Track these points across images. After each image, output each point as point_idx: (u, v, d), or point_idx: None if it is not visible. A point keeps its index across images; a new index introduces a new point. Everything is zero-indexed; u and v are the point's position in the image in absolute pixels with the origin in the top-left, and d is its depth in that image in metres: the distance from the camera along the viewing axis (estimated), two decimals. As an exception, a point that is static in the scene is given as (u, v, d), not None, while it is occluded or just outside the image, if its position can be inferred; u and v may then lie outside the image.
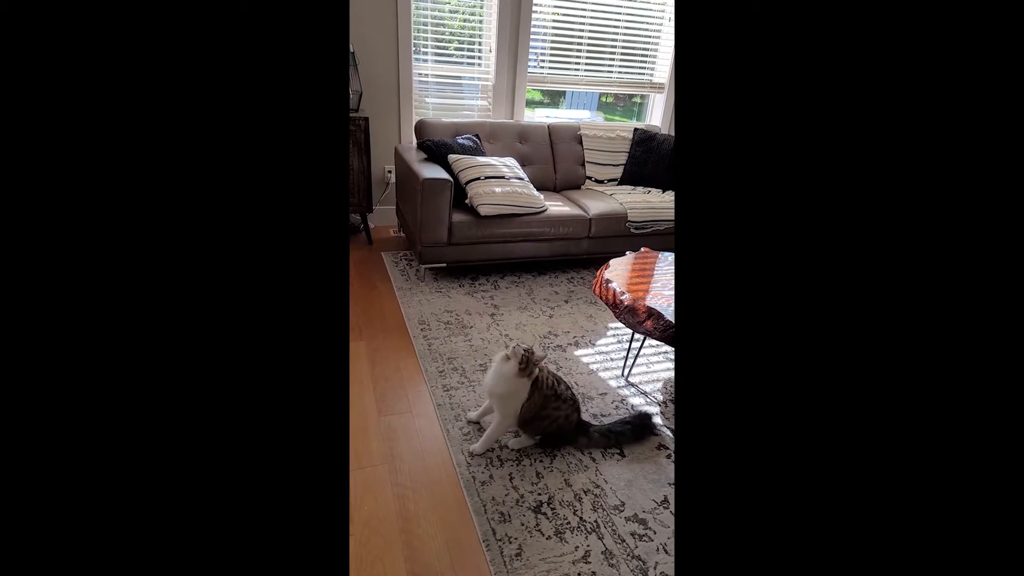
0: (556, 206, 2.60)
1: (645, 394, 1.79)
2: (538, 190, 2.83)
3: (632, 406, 1.72)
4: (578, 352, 2.00)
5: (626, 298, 1.67)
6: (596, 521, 1.29)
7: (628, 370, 1.91)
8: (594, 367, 1.92)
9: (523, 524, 1.26)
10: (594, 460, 1.48)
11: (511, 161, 2.61)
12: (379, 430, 1.53)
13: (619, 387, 1.81)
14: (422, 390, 1.72)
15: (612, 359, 1.98)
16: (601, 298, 1.77)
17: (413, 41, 2.82)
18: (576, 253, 2.65)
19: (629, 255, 2.01)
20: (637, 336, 2.11)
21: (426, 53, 2.90)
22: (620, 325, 2.21)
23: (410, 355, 1.91)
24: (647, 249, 2.08)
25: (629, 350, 1.98)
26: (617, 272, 1.86)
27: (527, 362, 1.41)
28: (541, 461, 1.46)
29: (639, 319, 1.62)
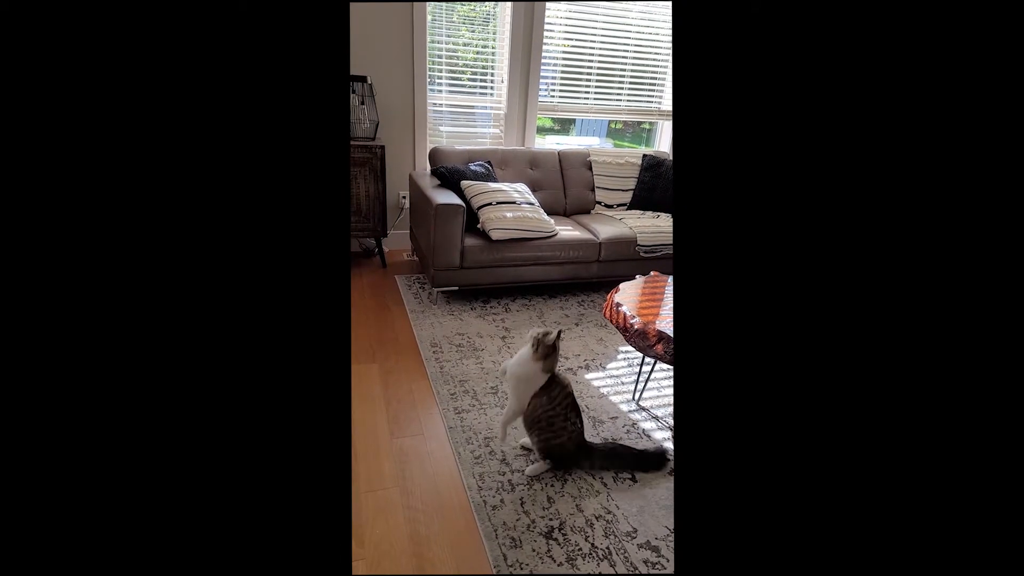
0: (566, 230, 2.64)
1: (656, 418, 1.78)
2: (549, 215, 2.88)
3: (643, 431, 1.71)
4: (589, 375, 2.01)
5: (636, 322, 1.68)
6: (608, 548, 1.28)
7: (639, 394, 1.91)
8: (605, 391, 1.92)
9: (534, 550, 1.26)
10: (605, 485, 1.48)
11: (522, 187, 2.67)
12: (391, 452, 1.55)
13: (630, 411, 1.81)
14: (434, 412, 1.74)
15: (623, 383, 1.98)
16: (612, 322, 1.79)
17: (428, 72, 2.92)
18: (586, 277, 2.67)
19: (639, 279, 2.02)
20: (648, 360, 2.11)
21: (440, 84, 3.00)
22: (631, 348, 2.22)
23: (422, 377, 1.93)
24: (657, 273, 2.09)
25: (640, 374, 1.98)
26: (627, 296, 1.87)
27: (539, 344, 1.44)
28: (552, 486, 1.46)
29: (650, 343, 1.63)
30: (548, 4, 2.95)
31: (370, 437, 1.60)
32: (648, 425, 1.74)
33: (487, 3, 2.93)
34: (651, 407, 1.84)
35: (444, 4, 2.84)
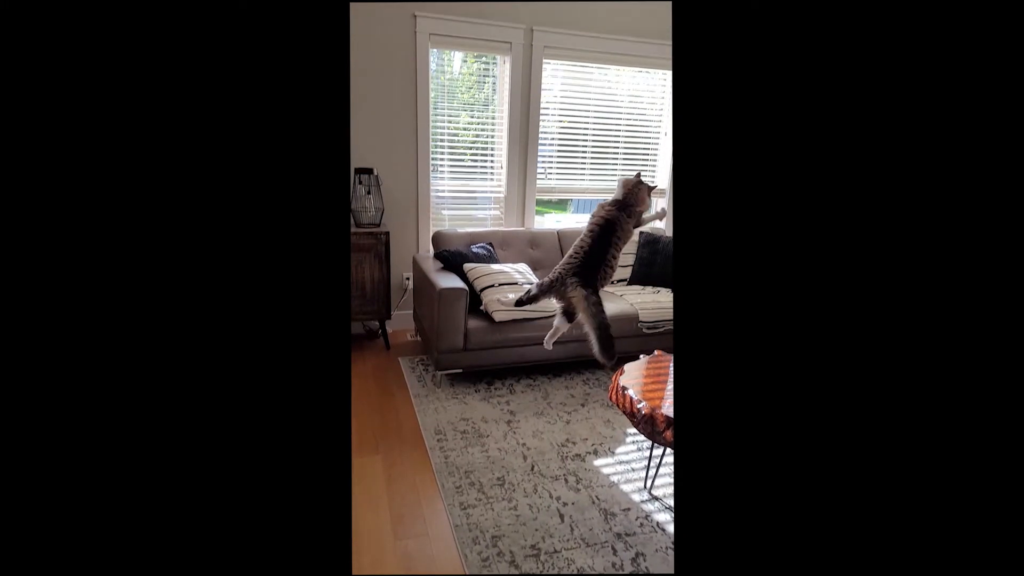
0: (568, 309, 2.67)
1: (670, 509, 1.71)
2: (550, 293, 2.92)
3: (657, 524, 1.64)
4: (598, 462, 1.95)
5: (643, 406, 1.66)
6: (627, 664, 1.19)
7: (651, 482, 1.85)
8: (615, 478, 1.86)
9: (548, 669, 1.17)
10: (621, 588, 1.39)
11: (523, 267, 2.73)
12: (395, 556, 1.48)
13: (642, 501, 1.74)
14: (439, 508, 1.68)
15: (633, 469, 1.92)
16: (618, 406, 1.76)
17: (431, 160, 3.08)
18: (590, 354, 2.66)
19: (643, 359, 2.02)
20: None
21: (443, 171, 3.15)
22: (639, 430, 2.17)
23: (426, 469, 1.87)
24: (660, 352, 2.09)
25: (650, 458, 1.92)
26: (632, 378, 1.86)
27: (636, 187, 1.80)
28: (565, 591, 1.38)
29: (659, 429, 1.60)
30: (543, 88, 3.16)
31: (373, 539, 1.54)
32: (662, 517, 1.67)
33: (484, 89, 3.14)
34: (664, 496, 1.78)
35: (446, 91, 3.05)
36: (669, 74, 3.38)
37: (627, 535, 1.59)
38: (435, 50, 2.96)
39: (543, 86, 3.16)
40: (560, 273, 1.86)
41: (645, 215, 1.87)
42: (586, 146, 3.39)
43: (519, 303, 2.04)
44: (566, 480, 1.83)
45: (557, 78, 3.22)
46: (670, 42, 3.25)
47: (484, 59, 3.10)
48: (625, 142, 3.45)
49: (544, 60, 3.11)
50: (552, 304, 2.57)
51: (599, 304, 1.80)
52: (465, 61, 3.12)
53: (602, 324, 1.79)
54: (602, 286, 2.03)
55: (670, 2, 3.21)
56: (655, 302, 2.75)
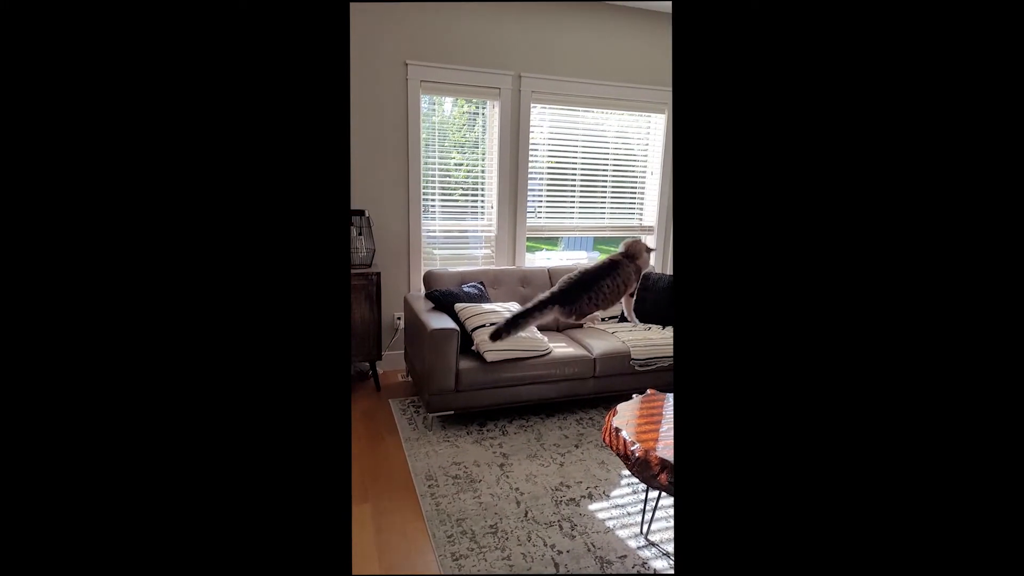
0: (560, 347, 2.66)
1: (667, 555, 1.67)
2: (541, 332, 2.92)
3: (655, 571, 1.59)
4: (592, 506, 1.91)
5: (637, 448, 1.64)
6: None
7: (647, 526, 1.81)
8: (611, 523, 1.82)
9: None
10: (619, 644, 1.34)
11: (514, 306, 2.73)
12: (383, 614, 1.42)
13: (639, 547, 1.70)
14: (430, 560, 1.62)
15: (629, 513, 1.88)
16: (612, 449, 1.74)
17: (422, 200, 3.13)
18: (583, 393, 2.65)
19: (636, 398, 2.01)
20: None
21: (434, 211, 3.19)
22: (634, 471, 2.13)
23: (417, 518, 1.82)
24: (653, 391, 2.08)
25: (646, 501, 1.88)
26: (625, 418, 1.84)
27: (635, 243, 2.25)
28: (561, 648, 1.33)
29: (652, 472, 1.58)
30: (531, 130, 3.24)
31: (361, 595, 1.48)
32: (660, 564, 1.63)
33: (475, 129, 3.22)
34: (661, 541, 1.73)
35: (437, 131, 3.12)
36: (654, 116, 3.49)
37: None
38: (426, 96, 3.05)
39: (531, 127, 3.25)
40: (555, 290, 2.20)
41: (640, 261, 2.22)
42: (575, 185, 3.46)
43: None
44: (560, 526, 1.79)
45: (545, 119, 3.32)
46: (655, 87, 3.38)
47: (474, 101, 3.19)
48: (613, 181, 3.53)
49: (532, 104, 3.21)
50: (540, 343, 2.57)
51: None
52: (455, 103, 3.21)
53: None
54: (590, 310, 2.15)
55: (654, 49, 3.35)
56: (646, 339, 2.76)
